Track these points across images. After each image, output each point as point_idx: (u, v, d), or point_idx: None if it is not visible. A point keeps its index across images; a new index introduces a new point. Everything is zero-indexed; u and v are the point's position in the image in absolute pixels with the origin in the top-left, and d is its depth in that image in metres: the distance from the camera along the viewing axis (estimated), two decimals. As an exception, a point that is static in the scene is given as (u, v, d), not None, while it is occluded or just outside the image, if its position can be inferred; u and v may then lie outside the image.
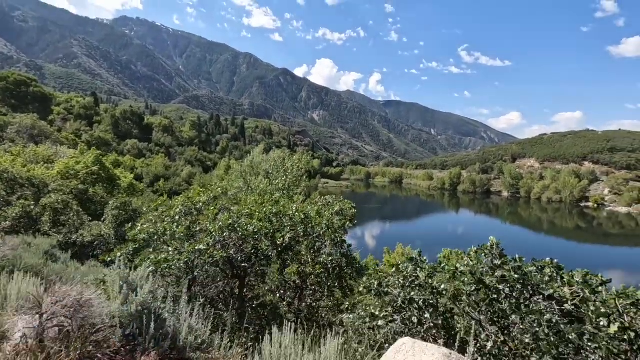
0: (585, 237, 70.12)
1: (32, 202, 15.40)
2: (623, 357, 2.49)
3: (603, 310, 2.48)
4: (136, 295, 3.93)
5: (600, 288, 2.74)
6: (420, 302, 3.07)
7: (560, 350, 2.49)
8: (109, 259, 6.01)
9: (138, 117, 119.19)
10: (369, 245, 50.33)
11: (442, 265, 3.83)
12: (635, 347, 2.70)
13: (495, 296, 2.96)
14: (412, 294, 3.15)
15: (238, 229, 5.48)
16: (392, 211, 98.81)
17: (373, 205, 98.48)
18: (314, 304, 7.98)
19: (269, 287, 7.43)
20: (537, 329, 2.61)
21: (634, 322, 2.80)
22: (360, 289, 3.80)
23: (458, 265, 3.58)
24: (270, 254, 6.23)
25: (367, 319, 3.35)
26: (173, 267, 5.82)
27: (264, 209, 6.50)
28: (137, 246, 6.24)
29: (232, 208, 6.39)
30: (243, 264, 5.89)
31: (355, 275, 6.57)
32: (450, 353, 1.68)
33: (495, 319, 3.10)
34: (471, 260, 3.59)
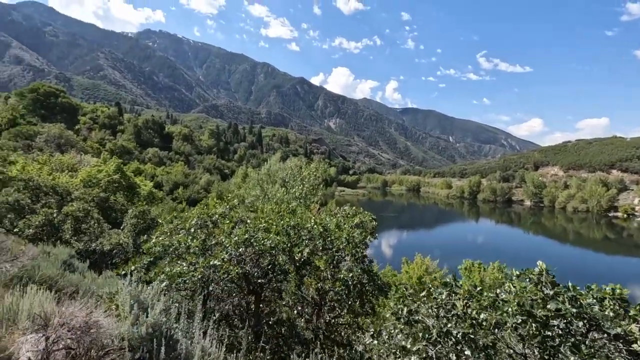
0: (614, 248, 66.66)
1: (55, 210, 15.70)
2: None
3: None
4: (147, 316, 3.71)
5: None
6: (458, 336, 2.70)
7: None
8: (123, 272, 5.87)
9: (159, 126, 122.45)
10: (386, 255, 49.38)
11: (478, 289, 3.43)
12: None
13: (549, 333, 2.56)
14: (449, 325, 2.78)
15: (254, 243, 5.23)
16: (410, 220, 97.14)
17: (390, 213, 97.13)
18: (333, 321, 7.62)
19: (285, 302, 7.13)
20: (604, 377, 2.21)
21: None
22: (387, 315, 3.46)
23: (499, 291, 3.19)
24: (287, 268, 5.94)
25: (398, 352, 2.99)
26: (188, 281, 5.62)
27: (281, 222, 6.24)
28: (151, 259, 6.08)
29: (248, 221, 6.16)
30: (259, 280, 5.63)
31: (377, 293, 6.19)
32: None
33: (547, 357, 2.69)
34: (513, 286, 3.19)
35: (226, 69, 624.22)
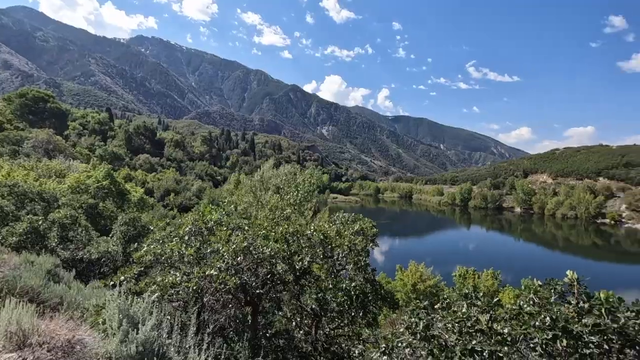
0: (603, 255, 67.45)
1: (41, 217, 15.12)
2: None
3: None
4: (137, 332, 3.37)
5: None
6: (485, 354, 2.45)
7: None
8: (111, 282, 5.51)
9: (151, 132, 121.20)
10: (380, 262, 49.09)
11: (496, 300, 3.20)
12: None
13: (588, 351, 2.32)
14: (474, 342, 2.53)
15: (253, 251, 4.94)
16: (403, 227, 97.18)
17: (383, 220, 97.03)
18: (332, 333, 7.31)
19: (284, 313, 6.80)
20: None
21: None
22: (401, 330, 3.20)
23: (522, 302, 2.95)
24: (287, 278, 5.65)
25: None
26: (181, 292, 5.28)
27: (280, 229, 5.96)
28: (142, 268, 5.73)
29: (246, 228, 5.86)
30: (257, 290, 5.32)
31: (380, 303, 5.92)
32: None
33: (579, 376, 2.45)
34: (537, 298, 2.96)
35: (219, 75, 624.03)
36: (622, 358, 2.33)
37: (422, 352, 2.86)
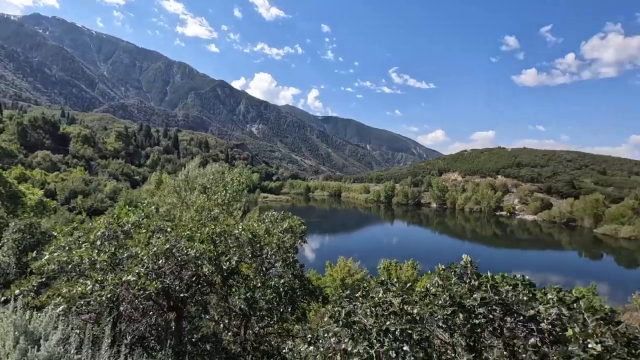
0: (501, 242, 78.29)
1: None
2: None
3: (590, 331, 2.38)
4: (38, 349, 2.98)
5: (574, 305, 2.67)
6: (397, 333, 2.75)
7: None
8: (3, 298, 4.77)
9: (52, 125, 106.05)
10: (310, 259, 50.03)
11: (408, 285, 3.58)
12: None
13: (476, 321, 2.76)
14: (388, 323, 2.82)
15: (177, 253, 4.72)
16: (332, 224, 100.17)
17: (313, 219, 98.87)
18: (262, 331, 7.31)
19: (210, 316, 6.60)
20: (524, 355, 2.45)
21: (603, 336, 2.78)
22: (325, 319, 3.39)
23: (429, 285, 3.36)
24: (214, 279, 5.50)
25: (338, 357, 2.94)
26: (92, 302, 4.81)
27: (206, 229, 5.77)
28: (43, 279, 5.07)
29: (168, 229, 5.55)
30: (182, 294, 5.09)
31: (309, 298, 6.11)
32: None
33: (471, 344, 2.90)
34: (440, 280, 3.40)
35: (137, 66, 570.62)
36: (502, 324, 2.81)
37: (346, 339, 3.08)
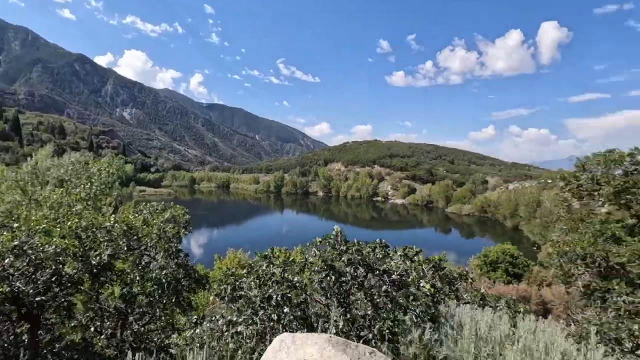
0: (377, 224, 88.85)
1: None
2: (433, 309, 3.21)
3: (422, 274, 3.11)
4: None
5: (415, 257, 3.44)
6: (278, 298, 3.05)
7: (395, 314, 2.99)
8: None
9: None
10: (197, 255, 47.48)
11: (291, 259, 3.95)
12: (436, 299, 3.52)
13: (343, 279, 3.27)
14: (270, 291, 3.10)
15: (29, 251, 4.03)
16: (221, 217, 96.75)
17: (200, 212, 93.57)
18: (143, 329, 6.81)
19: (78, 321, 5.83)
20: (378, 300, 3.05)
21: (435, 280, 3.65)
22: (211, 298, 3.45)
23: (307, 256, 3.78)
24: (81, 278, 4.88)
25: (224, 327, 3.07)
26: None
27: (69, 223, 5.05)
28: None
29: (15, 225, 4.65)
30: (38, 298, 4.37)
31: (195, 286, 5.98)
32: (330, 337, 1.70)
33: (342, 300, 3.42)
34: (317, 250, 3.86)
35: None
36: (365, 281, 3.42)
37: (232, 316, 3.24)
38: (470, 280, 3.74)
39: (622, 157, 11.28)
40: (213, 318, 3.74)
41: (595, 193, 11.97)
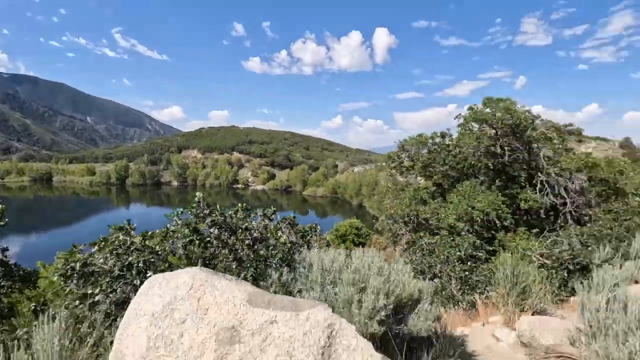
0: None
1: None
2: (289, 256, 3.78)
3: (279, 227, 3.61)
4: None
5: (273, 216, 3.92)
6: (140, 264, 3.00)
7: (257, 264, 3.40)
8: None
9: None
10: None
11: (149, 233, 3.87)
12: (291, 249, 4.12)
13: (208, 239, 3.46)
14: (130, 259, 3.01)
15: None
16: (42, 218, 77.93)
17: (6, 216, 72.79)
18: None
19: None
20: (242, 253, 3.38)
21: (291, 234, 4.25)
22: (54, 279, 3.06)
23: (169, 225, 3.78)
24: None
25: (77, 302, 2.81)
26: None
27: None
28: None
29: None
30: None
31: (22, 286, 4.97)
32: (201, 268, 1.95)
33: (207, 263, 3.62)
34: (179, 220, 3.90)
35: None
36: (227, 240, 3.70)
37: (87, 290, 3.01)
38: (318, 232, 4.49)
39: (427, 139, 14.82)
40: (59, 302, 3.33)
41: (411, 168, 15.37)
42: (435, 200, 12.80)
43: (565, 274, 5.89)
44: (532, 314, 4.41)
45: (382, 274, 3.19)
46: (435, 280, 7.22)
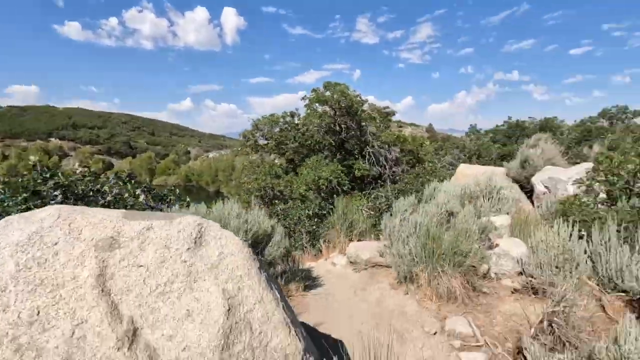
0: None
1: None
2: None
3: (135, 193, 3.67)
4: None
5: (127, 179, 3.92)
6: None
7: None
8: None
9: None
10: None
11: None
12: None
13: (53, 202, 3.23)
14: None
15: None
16: None
17: None
18: None
19: None
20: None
21: (149, 199, 4.29)
22: None
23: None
24: None
25: None
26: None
27: None
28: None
29: None
30: None
31: None
32: (64, 205, 2.04)
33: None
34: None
35: None
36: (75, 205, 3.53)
37: None
38: (175, 197, 4.63)
39: (278, 119, 15.90)
40: None
41: (266, 146, 16.26)
42: (289, 175, 14.09)
43: (382, 215, 7.90)
44: (358, 242, 5.82)
45: (240, 217, 3.71)
46: (290, 238, 8.28)
